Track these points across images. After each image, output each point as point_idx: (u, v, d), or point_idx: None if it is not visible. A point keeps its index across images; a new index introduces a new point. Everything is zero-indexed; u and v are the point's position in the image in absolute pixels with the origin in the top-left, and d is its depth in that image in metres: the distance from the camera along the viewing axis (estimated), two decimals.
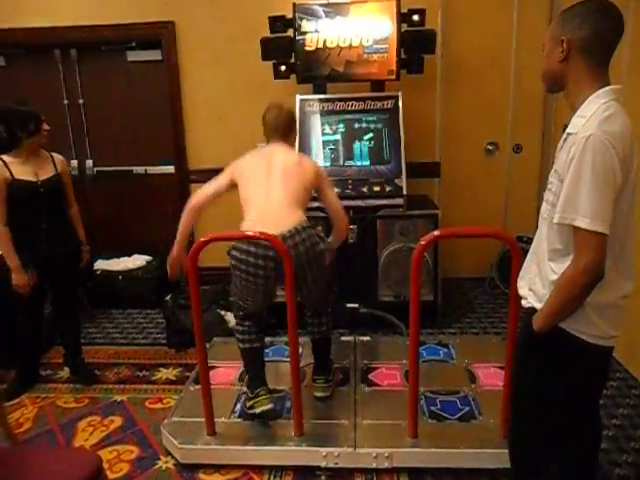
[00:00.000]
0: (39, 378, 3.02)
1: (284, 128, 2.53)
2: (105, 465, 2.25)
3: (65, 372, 3.09)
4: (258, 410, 2.33)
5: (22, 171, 2.63)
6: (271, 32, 3.54)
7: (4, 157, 2.63)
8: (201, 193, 2.47)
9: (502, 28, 3.88)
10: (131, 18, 3.97)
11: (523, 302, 1.58)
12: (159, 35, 4.04)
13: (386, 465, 2.19)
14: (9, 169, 2.61)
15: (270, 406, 2.34)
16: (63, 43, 4.15)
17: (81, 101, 4.33)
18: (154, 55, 4.16)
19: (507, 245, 2.20)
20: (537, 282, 1.51)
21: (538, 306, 1.48)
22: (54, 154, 2.83)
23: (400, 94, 3.52)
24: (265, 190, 2.36)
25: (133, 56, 4.21)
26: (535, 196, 4.18)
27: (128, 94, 4.29)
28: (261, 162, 2.44)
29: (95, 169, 4.40)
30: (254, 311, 2.43)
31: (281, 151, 2.48)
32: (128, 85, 4.28)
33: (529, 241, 3.79)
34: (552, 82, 1.53)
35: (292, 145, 2.64)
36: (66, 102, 4.32)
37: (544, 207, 1.51)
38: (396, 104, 3.50)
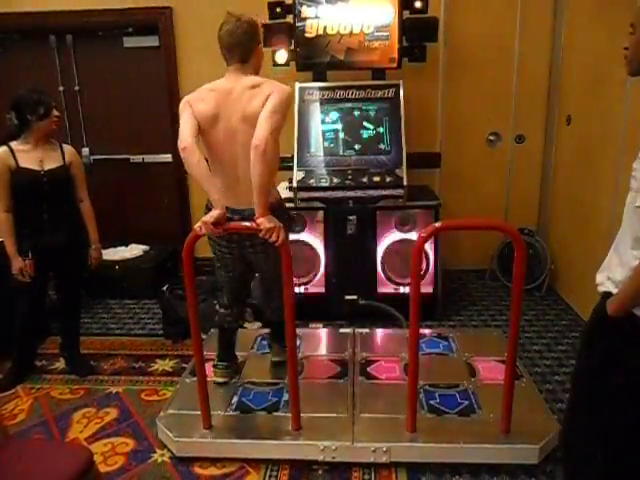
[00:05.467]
0: (34, 369, 2.99)
1: (242, 48, 2.12)
2: (100, 458, 2.25)
3: (60, 363, 3.06)
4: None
5: (27, 159, 2.62)
6: (270, 18, 3.47)
7: (12, 144, 2.62)
8: (185, 132, 2.08)
9: (506, 16, 3.82)
10: (128, 3, 3.91)
11: (599, 288, 1.50)
12: (156, 21, 3.98)
13: (384, 459, 2.16)
14: (15, 157, 2.60)
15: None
16: (59, 28, 4.09)
17: (77, 88, 4.27)
18: (151, 41, 4.10)
19: (510, 237, 2.17)
20: (617, 271, 1.43)
21: (614, 291, 1.42)
22: (65, 145, 2.78)
23: (401, 83, 3.46)
24: (232, 156, 2.15)
25: (130, 42, 4.15)
26: (537, 188, 4.14)
27: (125, 81, 4.23)
28: (223, 118, 2.11)
29: (92, 157, 4.35)
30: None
31: (239, 93, 2.09)
32: (125, 72, 4.22)
33: (531, 233, 3.84)
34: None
35: (254, 71, 2.21)
36: (62, 89, 4.25)
37: (629, 196, 1.41)
38: (397, 93, 3.44)
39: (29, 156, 2.62)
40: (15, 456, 1.60)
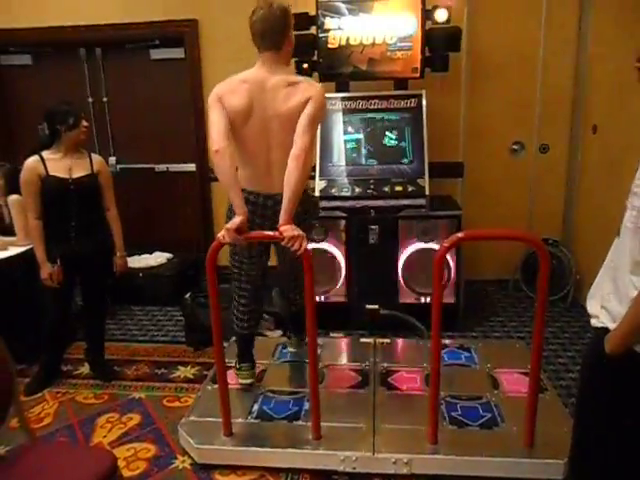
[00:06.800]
0: (61, 374, 3.05)
1: (275, 35, 2.08)
2: (122, 463, 2.27)
3: (85, 368, 3.11)
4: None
5: (57, 167, 2.70)
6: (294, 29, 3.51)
7: (44, 153, 2.71)
8: (219, 134, 2.08)
9: (530, 25, 3.79)
10: (154, 16, 3.99)
11: (593, 321, 1.40)
12: (182, 33, 4.06)
13: (405, 471, 2.14)
14: (45, 165, 2.68)
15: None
16: (88, 42, 4.20)
17: (105, 99, 4.37)
18: (177, 53, 4.18)
19: (533, 248, 2.14)
20: (612, 299, 1.33)
21: (612, 326, 1.31)
22: (94, 155, 2.86)
23: (424, 92, 3.46)
24: (265, 146, 2.17)
25: (156, 54, 4.24)
26: (562, 197, 4.09)
27: (151, 92, 4.32)
28: (256, 111, 2.12)
29: (118, 166, 4.44)
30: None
31: (274, 87, 2.10)
32: (151, 83, 4.31)
33: (554, 244, 3.79)
34: None
35: (287, 60, 2.22)
36: (90, 100, 4.36)
37: (628, 215, 1.30)
38: (420, 103, 3.44)
39: (58, 164, 2.70)
40: (41, 458, 1.64)
